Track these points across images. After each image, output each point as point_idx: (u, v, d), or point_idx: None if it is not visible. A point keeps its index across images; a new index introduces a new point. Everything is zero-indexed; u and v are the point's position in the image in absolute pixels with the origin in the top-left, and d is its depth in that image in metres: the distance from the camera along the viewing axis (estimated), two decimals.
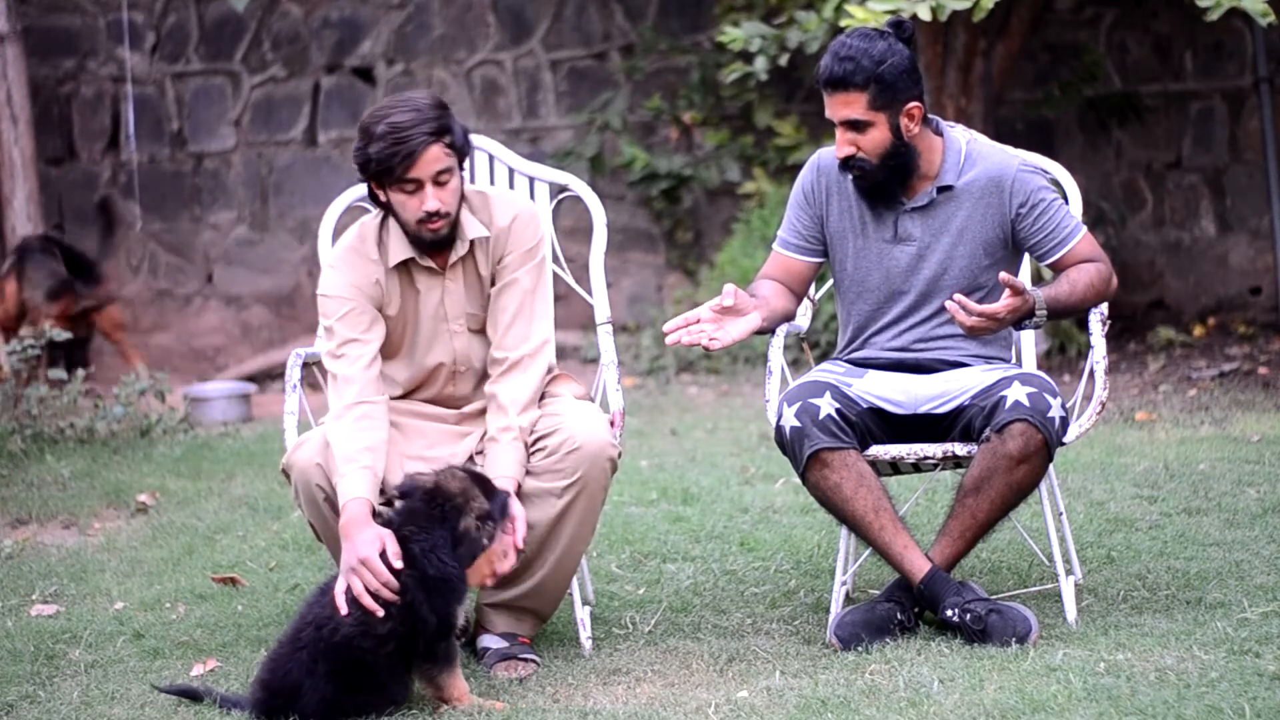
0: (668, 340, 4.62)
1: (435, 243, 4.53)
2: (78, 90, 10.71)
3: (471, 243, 4.58)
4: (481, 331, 4.64)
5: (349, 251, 4.59)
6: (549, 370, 4.64)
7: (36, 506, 6.72)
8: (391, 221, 4.57)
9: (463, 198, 4.56)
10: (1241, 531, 5.47)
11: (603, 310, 5.00)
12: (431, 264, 4.57)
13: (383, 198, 4.52)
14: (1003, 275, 4.54)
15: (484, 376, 4.65)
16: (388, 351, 4.60)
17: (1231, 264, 9.82)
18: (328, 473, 4.46)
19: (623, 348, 9.48)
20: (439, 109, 4.46)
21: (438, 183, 4.44)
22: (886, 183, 4.70)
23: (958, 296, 4.53)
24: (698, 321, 4.62)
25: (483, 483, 4.31)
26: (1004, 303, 4.53)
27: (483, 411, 4.62)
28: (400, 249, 4.56)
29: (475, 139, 5.12)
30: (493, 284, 4.61)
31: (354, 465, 4.36)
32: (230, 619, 5.13)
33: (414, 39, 10.51)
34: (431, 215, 4.45)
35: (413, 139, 4.39)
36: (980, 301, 4.61)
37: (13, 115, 9.15)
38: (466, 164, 4.66)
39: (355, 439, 4.40)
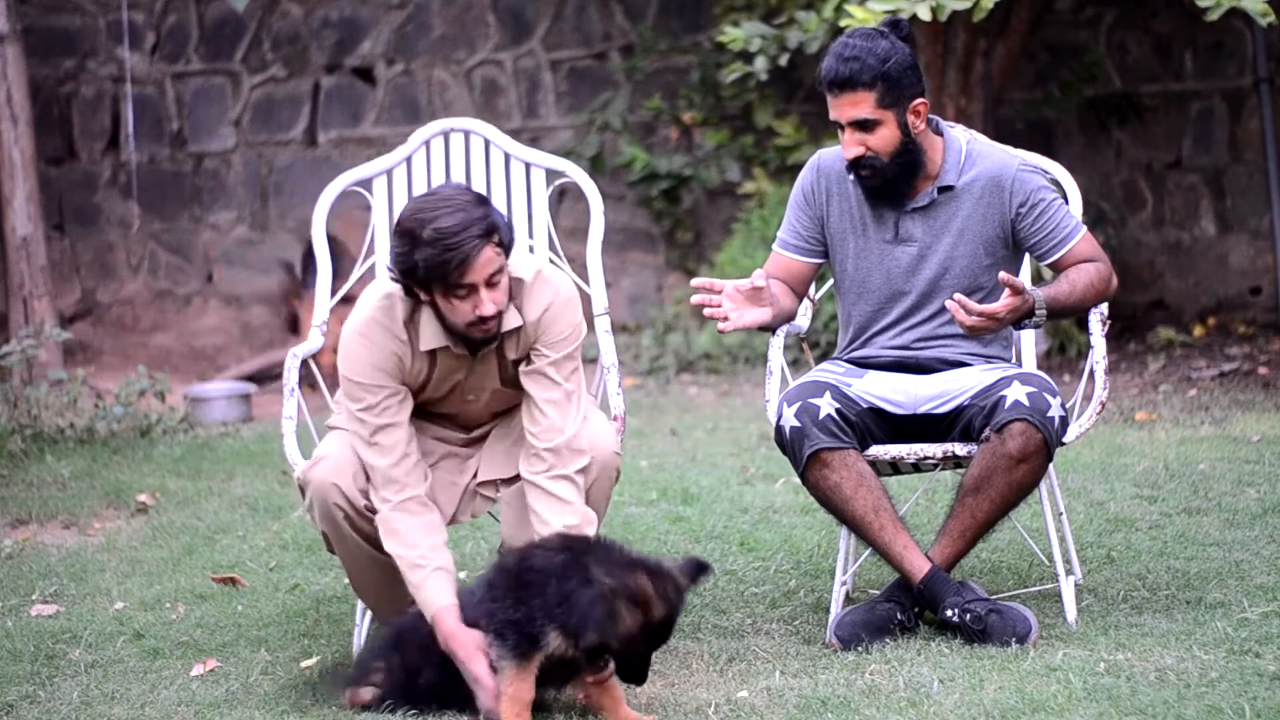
0: (693, 299, 4.64)
1: (469, 343, 4.35)
2: (78, 90, 10.71)
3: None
4: (498, 400, 4.52)
5: (374, 326, 4.38)
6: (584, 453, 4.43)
7: (36, 506, 6.71)
8: (427, 308, 4.36)
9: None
10: (1241, 531, 5.47)
11: (600, 300, 4.98)
12: (464, 351, 4.41)
13: (424, 297, 4.30)
14: (1002, 275, 4.54)
15: (498, 408, 4.59)
16: None
17: (1231, 264, 9.82)
18: (346, 493, 4.38)
19: (623, 348, 9.48)
20: (482, 205, 4.24)
21: (490, 284, 4.23)
22: (895, 181, 4.70)
23: (958, 296, 4.53)
24: (720, 292, 4.62)
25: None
26: (1004, 302, 4.53)
27: (488, 434, 4.59)
28: (434, 337, 4.36)
29: (470, 123, 5.12)
30: (523, 363, 4.44)
31: (432, 564, 4.27)
32: (230, 619, 5.13)
33: (414, 39, 10.50)
34: (485, 319, 4.27)
35: (465, 244, 4.16)
36: (981, 302, 4.61)
37: (13, 115, 9.15)
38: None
39: (424, 535, 4.31)
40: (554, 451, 4.34)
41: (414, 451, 4.38)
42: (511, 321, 4.36)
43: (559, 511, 4.31)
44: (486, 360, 4.45)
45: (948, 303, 4.54)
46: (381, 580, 4.48)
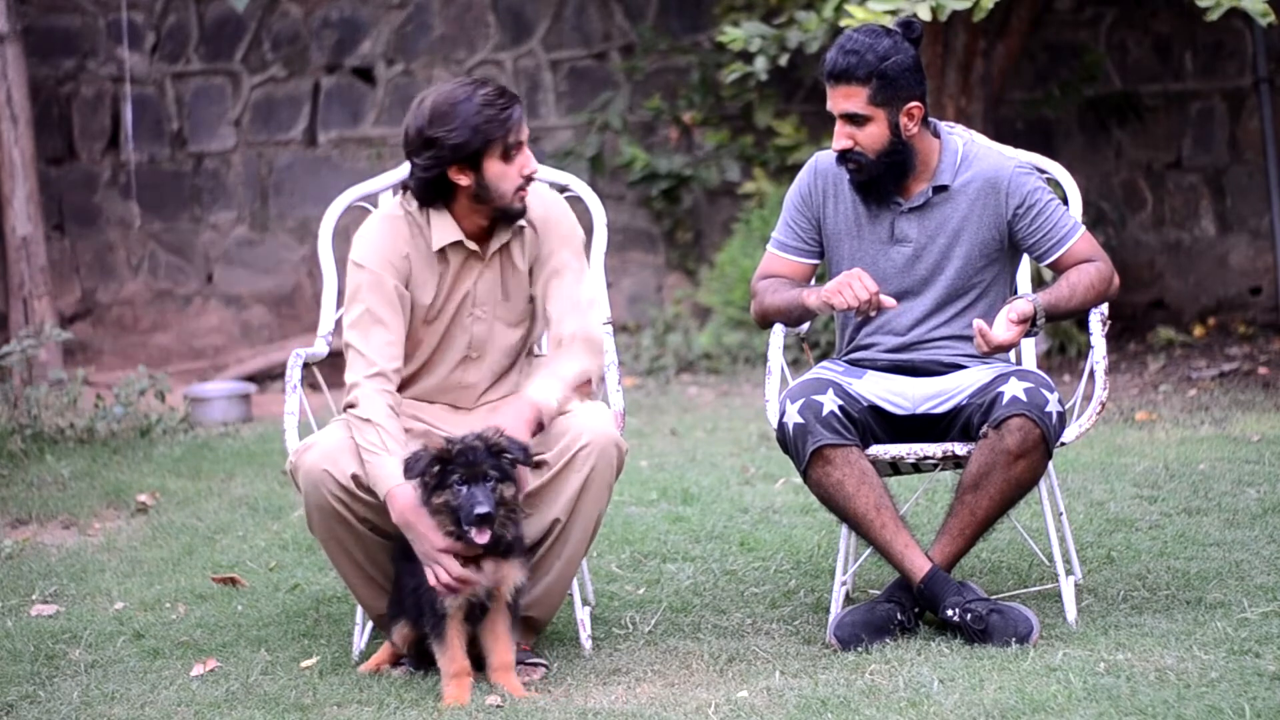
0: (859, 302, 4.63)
1: (508, 216, 4.51)
2: (78, 90, 10.70)
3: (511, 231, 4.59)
4: (503, 321, 4.64)
5: (389, 221, 4.58)
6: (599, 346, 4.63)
7: (36, 506, 6.72)
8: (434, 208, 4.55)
9: None
10: (1241, 531, 5.47)
11: (603, 310, 4.99)
12: (476, 248, 4.57)
13: (465, 180, 4.47)
14: (1009, 316, 4.57)
15: (498, 371, 4.65)
16: (407, 332, 4.60)
17: (1231, 264, 9.83)
18: (338, 478, 4.43)
19: (623, 348, 9.48)
20: (505, 89, 4.52)
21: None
22: (881, 179, 4.72)
23: (978, 325, 4.55)
24: (869, 299, 4.62)
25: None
26: (1015, 332, 4.59)
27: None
28: (447, 231, 4.53)
29: None
30: (530, 277, 4.62)
31: (390, 446, 4.38)
32: (230, 619, 5.13)
33: (414, 39, 10.50)
34: (530, 178, 4.50)
35: (512, 104, 4.43)
36: (974, 301, 4.71)
37: (13, 115, 9.14)
38: None
39: (392, 423, 4.42)
40: (569, 338, 4.54)
41: (399, 362, 4.52)
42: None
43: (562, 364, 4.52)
44: (493, 266, 4.59)
45: (974, 322, 4.57)
46: (365, 562, 4.54)
